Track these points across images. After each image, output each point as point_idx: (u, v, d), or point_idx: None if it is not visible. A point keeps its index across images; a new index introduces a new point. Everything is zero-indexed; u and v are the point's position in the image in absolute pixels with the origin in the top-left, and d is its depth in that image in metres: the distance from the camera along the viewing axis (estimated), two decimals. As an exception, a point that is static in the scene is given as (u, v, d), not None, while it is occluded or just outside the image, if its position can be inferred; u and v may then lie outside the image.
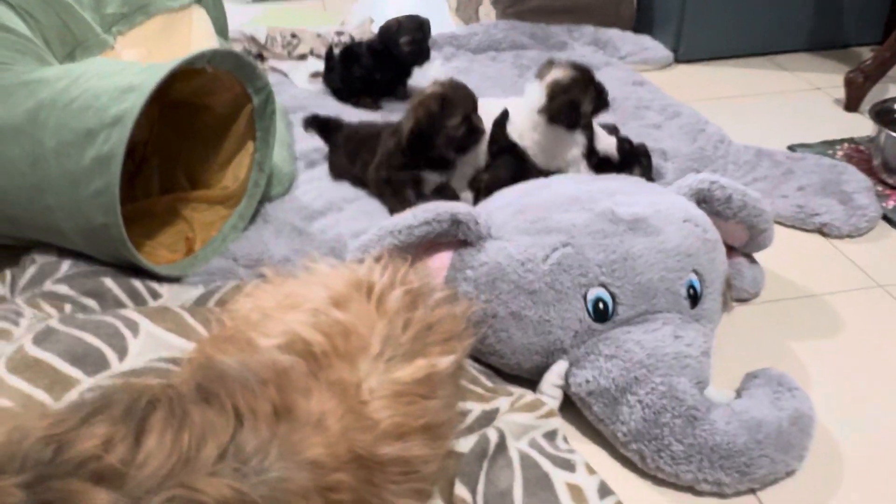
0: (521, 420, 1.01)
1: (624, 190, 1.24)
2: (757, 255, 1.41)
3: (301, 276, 1.00)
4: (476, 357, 1.19)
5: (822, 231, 1.58)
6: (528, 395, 1.08)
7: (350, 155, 1.66)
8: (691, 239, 1.18)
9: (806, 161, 1.76)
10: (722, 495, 1.03)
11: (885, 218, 1.61)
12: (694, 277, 1.16)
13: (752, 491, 1.04)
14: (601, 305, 1.11)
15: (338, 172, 1.70)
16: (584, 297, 1.12)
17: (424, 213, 1.17)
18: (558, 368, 1.12)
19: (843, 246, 1.55)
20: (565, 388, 1.13)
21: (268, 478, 0.73)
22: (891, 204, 1.65)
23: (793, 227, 1.60)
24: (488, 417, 1.03)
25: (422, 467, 0.82)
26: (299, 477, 0.74)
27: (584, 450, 1.08)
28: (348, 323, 0.88)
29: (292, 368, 0.82)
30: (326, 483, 0.75)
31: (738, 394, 1.12)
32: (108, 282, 1.28)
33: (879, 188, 1.70)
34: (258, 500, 0.71)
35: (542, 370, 1.14)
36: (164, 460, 0.71)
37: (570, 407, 1.13)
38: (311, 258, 1.03)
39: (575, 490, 0.90)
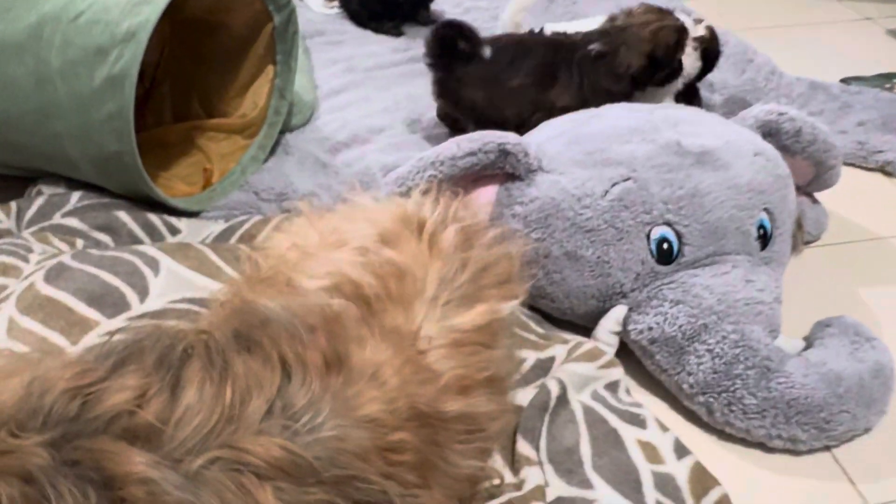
0: (582, 370, 0.93)
1: (688, 119, 1.13)
2: (817, 196, 1.31)
3: (341, 210, 0.90)
4: (526, 301, 1.10)
5: (884, 170, 1.47)
6: (587, 343, 0.99)
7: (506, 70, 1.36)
8: (763, 174, 1.07)
9: (863, 95, 1.64)
10: (795, 452, 0.95)
11: (950, 156, 1.50)
12: (765, 216, 1.07)
13: (828, 448, 0.96)
14: (666, 246, 1.02)
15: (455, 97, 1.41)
16: (648, 237, 1.02)
17: (470, 143, 1.07)
18: (616, 314, 1.03)
19: (907, 185, 1.45)
20: (623, 336, 1.04)
21: (322, 436, 0.65)
22: (955, 141, 1.54)
23: (853, 164, 1.49)
24: (544, 367, 0.94)
25: (488, 424, 0.73)
26: (356, 436, 0.66)
27: (642, 401, 1.00)
28: (401, 263, 0.79)
29: (343, 314, 0.73)
30: (387, 443, 0.66)
31: (809, 343, 1.04)
32: (123, 216, 1.18)
33: (942, 124, 1.58)
34: (312, 461, 0.63)
35: (596, 316, 1.06)
36: (206, 417, 0.62)
37: (624, 355, 1.05)
38: (352, 188, 0.92)
39: (648, 448, 0.83)
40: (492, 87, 1.36)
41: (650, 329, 1.00)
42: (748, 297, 0.99)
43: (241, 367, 0.66)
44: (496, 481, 0.78)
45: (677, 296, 0.99)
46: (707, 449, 0.96)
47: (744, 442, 0.96)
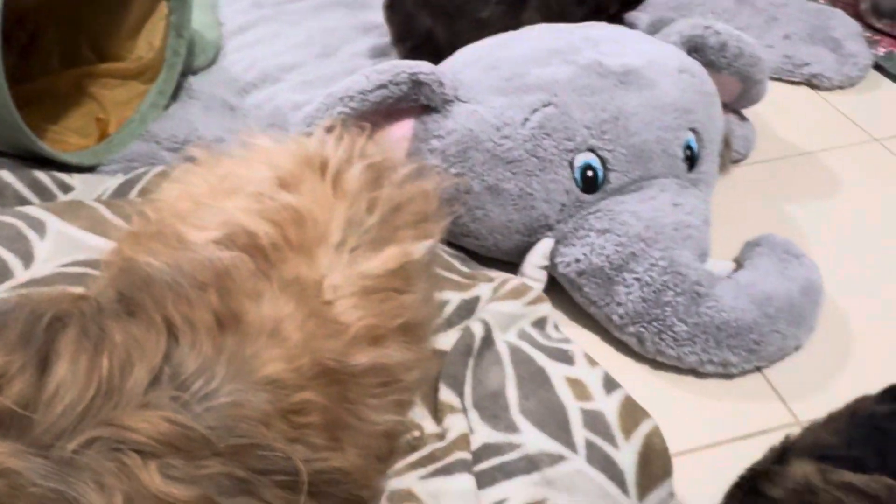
0: (508, 308, 0.88)
1: (609, 38, 1.07)
2: (745, 113, 1.28)
3: (238, 154, 0.82)
4: (448, 240, 1.05)
5: (810, 83, 1.45)
6: (513, 280, 0.95)
7: None
8: (689, 93, 1.03)
9: (789, 7, 1.60)
10: (727, 376, 0.93)
11: (877, 66, 1.48)
12: (691, 136, 1.03)
13: (759, 369, 0.95)
14: (590, 173, 0.97)
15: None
16: (571, 165, 0.97)
17: (380, 75, 0.99)
18: (543, 247, 0.99)
19: (833, 98, 1.43)
20: (551, 270, 1.00)
21: (216, 404, 0.59)
22: (881, 51, 1.52)
23: (780, 79, 1.46)
24: (468, 308, 0.90)
25: (404, 375, 0.69)
26: (256, 400, 0.60)
27: (573, 334, 0.97)
28: (301, 207, 0.72)
29: (236, 267, 0.66)
30: (291, 405, 0.61)
31: (739, 264, 1.01)
32: (6, 175, 1.07)
33: (868, 34, 1.56)
34: (206, 432, 0.57)
35: (523, 251, 1.01)
36: (80, 393, 0.56)
37: (553, 289, 1.01)
38: (250, 132, 0.84)
39: (577, 385, 0.79)
40: (456, 18, 1.26)
41: (577, 261, 0.96)
42: (677, 221, 0.96)
43: (120, 334, 0.60)
44: (416, 434, 0.73)
45: (604, 225, 0.95)
46: (640, 380, 0.93)
47: (676, 370, 0.94)
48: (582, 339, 0.97)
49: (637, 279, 0.92)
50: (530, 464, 0.71)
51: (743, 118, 1.27)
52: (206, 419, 0.58)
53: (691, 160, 1.03)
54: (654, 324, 0.92)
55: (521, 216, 0.98)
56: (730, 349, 0.91)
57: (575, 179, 0.97)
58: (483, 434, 0.74)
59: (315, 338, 0.65)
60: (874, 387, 0.93)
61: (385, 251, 0.72)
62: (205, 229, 0.71)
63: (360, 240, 0.74)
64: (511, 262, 1.04)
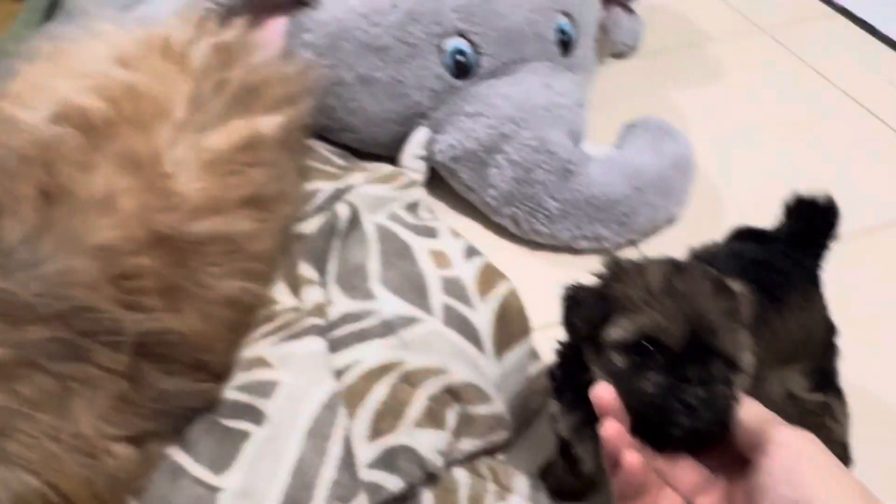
0: (377, 192, 0.88)
1: (480, -76, 1.05)
2: (633, 6, 1.28)
3: (81, 40, 0.79)
4: (327, 136, 1.04)
5: (701, -23, 1.45)
6: (386, 167, 0.94)
7: None
8: (559, -25, 1.02)
9: None
10: (602, 251, 0.95)
11: (766, -41, 1.49)
12: (564, 20, 1.02)
13: (633, 243, 0.97)
14: (461, 58, 0.97)
15: None
16: (441, 50, 0.96)
17: (244, -32, 0.96)
18: (419, 136, 0.99)
19: (722, -8, 1.44)
20: (430, 159, 1.00)
21: (42, 272, 0.58)
22: (771, -56, 1.53)
23: (670, -26, 1.46)
24: (340, 196, 0.89)
25: (248, 244, 0.68)
26: (84, 266, 0.59)
27: (456, 224, 0.97)
28: (139, 84, 0.70)
29: (63, 141, 0.65)
30: (122, 270, 0.60)
31: (619, 147, 1.03)
32: None
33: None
34: (30, 299, 0.56)
35: (401, 142, 1.00)
36: None
37: (436, 181, 1.01)
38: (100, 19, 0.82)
39: (438, 256, 0.80)
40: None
41: (452, 147, 0.96)
42: (548, 102, 0.96)
43: (-67, 208, 0.58)
44: (277, 307, 0.74)
45: (475, 108, 0.95)
46: (521, 260, 0.95)
47: (553, 249, 0.96)
48: (463, 227, 0.98)
49: (508, 160, 0.93)
50: (386, 328, 0.71)
51: (630, 11, 1.27)
52: (32, 287, 0.57)
53: (565, 44, 1.03)
54: (527, 203, 0.93)
55: (394, 105, 0.98)
56: (601, 223, 0.92)
57: (445, 65, 0.96)
58: (342, 305, 0.74)
59: (150, 208, 0.64)
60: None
61: (230, 125, 0.71)
62: (36, 108, 0.69)
63: (207, 117, 0.73)
64: (393, 157, 1.03)
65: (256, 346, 0.69)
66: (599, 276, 0.55)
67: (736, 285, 0.54)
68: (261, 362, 0.67)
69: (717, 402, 0.49)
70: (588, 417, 0.52)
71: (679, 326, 0.49)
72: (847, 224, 1.00)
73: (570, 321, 0.56)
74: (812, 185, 1.07)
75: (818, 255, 0.71)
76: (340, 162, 0.99)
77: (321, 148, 1.01)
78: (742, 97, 1.22)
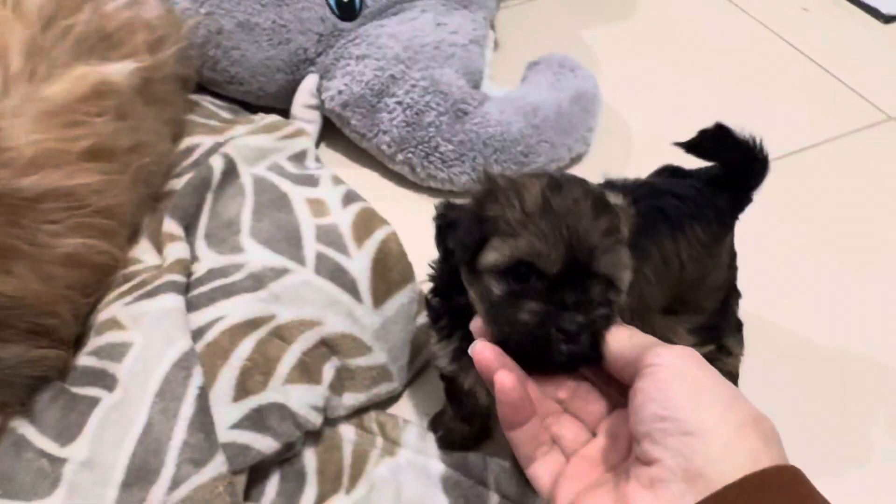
0: (258, 143, 0.83)
1: None
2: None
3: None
4: (216, 90, 0.98)
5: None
6: (270, 117, 0.89)
7: None
8: None
9: None
10: (504, 194, 0.91)
11: None
12: (456, -46, 0.97)
13: (537, 184, 0.93)
14: (344, -3, 0.91)
15: None
16: (323, -10, 0.91)
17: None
18: (308, 84, 0.94)
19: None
20: (321, 108, 0.95)
21: None
22: None
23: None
24: (218, 149, 0.84)
25: (92, 199, 0.63)
26: None
27: (355, 176, 0.93)
28: (-38, 32, 0.64)
29: None
30: (-63, 232, 0.55)
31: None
32: None
33: None
34: None
35: (291, 92, 0.95)
36: None
37: (331, 131, 0.96)
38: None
39: (316, 204, 0.75)
40: None
41: (340, 92, 0.91)
42: (438, 40, 0.91)
43: None
44: (139, 267, 0.69)
45: (362, 50, 0.90)
46: (421, 208, 0.90)
47: (452, 194, 0.91)
48: (360, 178, 0.93)
49: (399, 103, 0.88)
50: (255, 281, 0.67)
51: (538, -52, 1.22)
52: None
53: (460, -20, 0.98)
54: (421, 147, 0.88)
55: (278, 52, 0.92)
56: (499, 164, 0.88)
57: (329, 5, 0.91)
58: (209, 260, 0.69)
59: (-24, 163, 0.59)
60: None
61: (73, 73, 0.66)
62: None
63: (48, 66, 0.67)
64: (287, 110, 0.98)
65: (111, 308, 0.64)
66: (473, 194, 0.51)
67: (616, 198, 0.50)
68: (113, 324, 0.62)
69: (597, 326, 0.46)
70: (469, 344, 0.49)
71: (556, 250, 0.45)
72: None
73: (443, 244, 0.52)
74: (727, 118, 1.05)
75: (736, 200, 0.66)
76: (227, 116, 0.94)
77: (206, 102, 0.95)
78: (654, 32, 1.18)
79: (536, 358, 0.47)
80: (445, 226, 0.52)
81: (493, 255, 0.48)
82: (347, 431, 0.69)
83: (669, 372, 0.41)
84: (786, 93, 1.07)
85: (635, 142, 1.00)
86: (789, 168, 0.97)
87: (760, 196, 0.91)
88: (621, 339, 0.46)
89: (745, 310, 0.72)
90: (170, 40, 0.81)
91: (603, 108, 0.97)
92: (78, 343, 0.65)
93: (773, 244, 0.86)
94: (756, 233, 0.88)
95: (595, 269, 0.47)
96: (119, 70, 0.69)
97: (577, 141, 0.93)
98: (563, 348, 0.45)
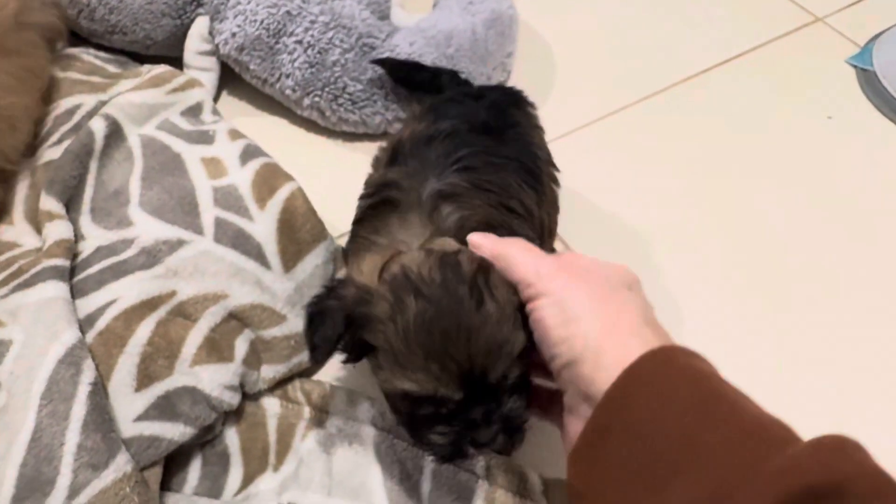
0: (144, 99, 0.75)
1: None
2: None
3: None
4: (99, 42, 0.89)
5: None
6: (158, 69, 0.81)
7: None
8: None
9: None
10: (423, 132, 0.85)
11: None
12: None
13: (458, 119, 0.87)
14: (227, -73, 0.82)
15: None
16: (201, -80, 0.81)
17: None
18: (198, 28, 0.85)
19: None
20: (216, 53, 0.87)
21: None
22: None
23: None
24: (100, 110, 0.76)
25: None
26: None
27: (261, 126, 0.86)
28: None
29: None
30: None
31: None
32: None
33: None
34: None
35: (182, 38, 0.87)
36: None
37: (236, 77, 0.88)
38: None
39: (212, 163, 0.69)
40: None
41: (234, 35, 0.83)
42: (337, -32, 0.83)
43: None
44: (15, 252, 0.62)
45: (253, -14, 0.82)
46: (336, 157, 0.85)
47: (370, 137, 0.85)
48: (267, 127, 0.86)
49: (299, 42, 0.81)
50: (149, 257, 0.61)
51: None
52: None
53: None
54: (328, 89, 0.82)
55: (159, -6, 0.83)
56: (412, 100, 0.82)
57: (210, -63, 0.82)
58: (95, 238, 0.63)
59: None
60: (574, 117, 0.89)
61: None
62: None
63: None
64: (181, 59, 0.89)
65: (-15, 303, 0.57)
66: (343, 295, 0.46)
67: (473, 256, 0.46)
68: (-12, 321, 0.56)
69: (513, 422, 0.46)
70: None
71: (451, 382, 0.44)
72: (686, 68, 0.93)
73: (310, 338, 0.48)
74: (648, 31, 1.00)
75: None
76: (113, 70, 0.85)
77: (89, 56, 0.86)
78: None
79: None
80: (314, 316, 0.47)
81: (386, 383, 0.46)
82: (271, 404, 0.64)
83: (542, 312, 0.43)
84: (706, 7, 1.02)
85: (558, 65, 0.95)
86: (715, 80, 0.93)
87: (688, 111, 0.87)
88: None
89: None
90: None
91: (520, 30, 0.91)
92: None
93: (710, 158, 0.83)
94: (697, 147, 0.85)
95: (493, 379, 0.45)
96: None
97: (496, 69, 0.87)
98: (480, 453, 0.48)
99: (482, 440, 0.45)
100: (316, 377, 0.67)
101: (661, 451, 0.37)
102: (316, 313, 0.47)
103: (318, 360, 0.48)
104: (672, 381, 0.38)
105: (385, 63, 0.77)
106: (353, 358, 0.48)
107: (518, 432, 0.47)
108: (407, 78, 0.75)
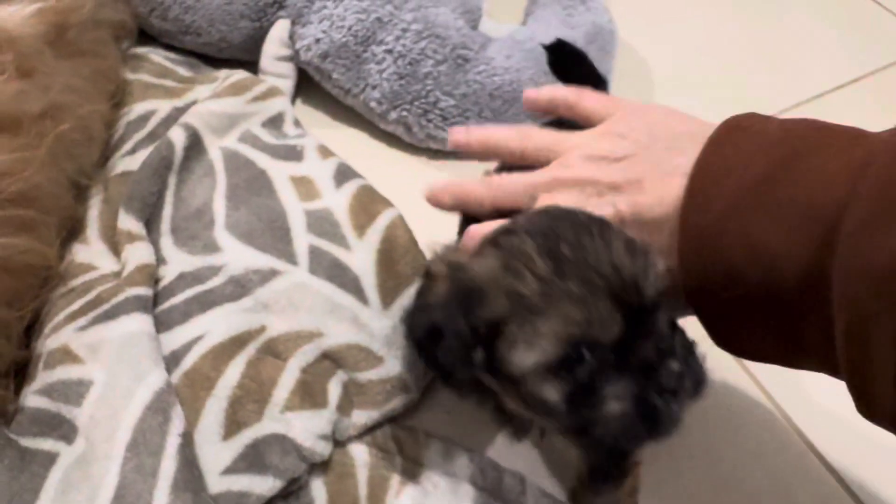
0: (224, 108, 0.70)
1: None
2: None
3: None
4: (170, 43, 0.84)
5: None
6: (236, 75, 0.75)
7: None
8: None
9: None
10: (514, 153, 0.79)
11: None
12: None
13: (551, 139, 0.81)
14: (316, -75, 0.76)
15: None
16: (289, -83, 0.76)
17: None
18: (278, 32, 0.79)
19: None
20: (295, 59, 0.81)
21: None
22: None
23: None
24: (179, 118, 0.70)
25: (3, 184, 0.49)
26: None
27: (338, 137, 0.80)
28: None
29: None
30: None
31: (525, 23, 0.85)
32: None
33: None
34: None
35: (259, 41, 0.81)
36: None
37: (314, 85, 0.82)
38: None
39: (303, 183, 0.63)
40: None
41: (318, 41, 0.77)
42: (422, -27, 0.77)
43: None
44: (92, 275, 0.56)
45: (341, -11, 0.76)
46: (418, 177, 0.78)
47: (457, 156, 0.79)
48: (345, 141, 0.80)
49: (389, 51, 0.75)
50: (238, 287, 0.55)
51: None
52: None
53: None
54: (417, 103, 0.76)
55: (239, -6, 0.78)
56: (510, 118, 0.76)
57: (298, -65, 0.76)
58: (178, 262, 0.57)
59: None
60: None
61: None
62: None
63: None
64: (255, 63, 0.84)
65: (61, 333, 0.52)
66: (453, 282, 0.38)
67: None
68: (65, 355, 0.50)
69: (691, 353, 0.37)
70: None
71: (604, 308, 0.35)
72: (795, 94, 0.87)
73: (435, 365, 0.39)
74: (756, 53, 0.93)
75: None
76: (186, 73, 0.79)
77: (159, 57, 0.81)
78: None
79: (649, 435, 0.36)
80: (425, 339, 0.39)
81: (526, 355, 0.36)
82: (360, 452, 0.58)
83: None
84: (822, 20, 0.95)
85: (656, 83, 0.88)
86: (828, 107, 0.86)
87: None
88: None
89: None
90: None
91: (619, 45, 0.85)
92: (21, 373, 0.53)
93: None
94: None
95: (650, 293, 0.36)
96: (14, 14, 0.54)
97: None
98: (674, 408, 0.34)
99: (671, 383, 0.35)
100: (408, 424, 0.61)
101: (784, 139, 0.39)
102: (423, 334, 0.39)
103: (455, 385, 0.41)
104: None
105: (555, 48, 0.66)
106: (486, 363, 0.39)
107: (701, 371, 0.37)
108: (565, 68, 0.66)
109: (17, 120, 0.52)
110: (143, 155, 0.65)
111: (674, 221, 0.41)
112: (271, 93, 0.74)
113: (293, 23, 0.79)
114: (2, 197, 0.49)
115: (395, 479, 0.57)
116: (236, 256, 0.56)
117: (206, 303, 0.54)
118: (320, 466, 0.57)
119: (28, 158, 0.51)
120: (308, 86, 0.83)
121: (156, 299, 0.55)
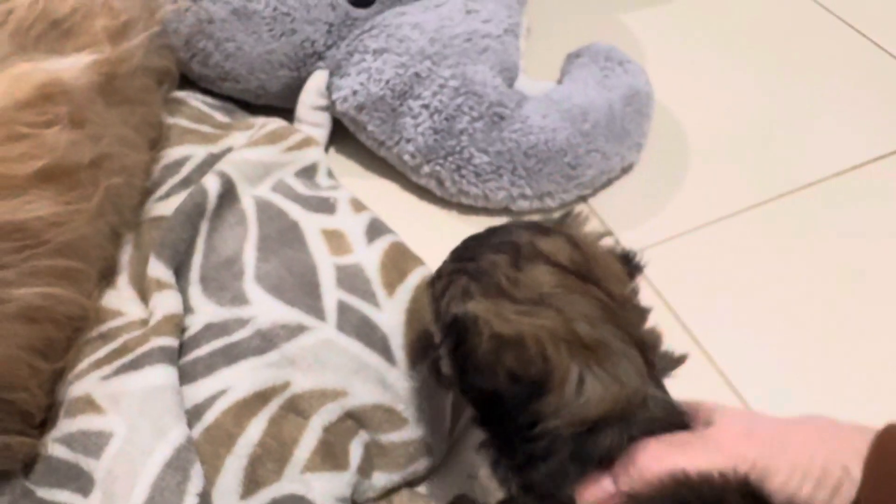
0: (259, 157, 0.70)
1: None
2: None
3: None
4: (208, 88, 0.85)
5: None
6: (272, 123, 0.76)
7: None
8: None
9: None
10: (546, 210, 0.79)
11: None
12: (486, -72, 0.83)
13: (583, 199, 0.81)
14: (359, -20, 0.77)
15: None
16: (333, -29, 0.77)
17: None
18: (316, 82, 0.80)
19: None
20: (331, 110, 0.81)
21: None
22: None
23: None
24: (214, 163, 0.70)
25: (50, 234, 0.50)
26: None
27: (369, 188, 0.80)
28: None
29: None
30: None
31: (560, 82, 0.85)
32: None
33: None
34: None
35: (297, 90, 0.82)
36: None
37: (347, 136, 0.83)
38: None
39: (334, 237, 0.62)
40: None
41: (355, 93, 0.77)
42: (470, 31, 0.78)
43: None
44: (119, 321, 0.56)
45: (380, 44, 0.77)
46: (448, 231, 0.78)
47: (487, 212, 0.79)
48: (376, 192, 0.80)
49: (425, 106, 0.75)
50: (264, 341, 0.54)
51: (569, -81, 1.08)
52: None
53: (491, -42, 0.84)
54: (451, 158, 0.75)
55: (281, 44, 0.79)
56: (543, 177, 0.76)
57: (341, -10, 0.77)
58: (206, 313, 0.57)
59: None
60: (709, 209, 0.82)
61: (11, 72, 0.52)
62: None
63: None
64: (291, 111, 0.84)
65: (84, 381, 0.51)
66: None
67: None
68: (87, 404, 0.50)
69: None
70: None
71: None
72: (834, 161, 0.85)
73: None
74: (792, 116, 0.92)
75: None
76: (222, 119, 0.80)
77: (197, 102, 0.82)
78: (705, 15, 1.05)
79: None
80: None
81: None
82: (377, 516, 0.57)
83: None
84: (862, 87, 0.94)
85: (691, 145, 0.87)
86: (867, 177, 0.84)
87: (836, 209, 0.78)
88: None
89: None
90: (138, 26, 0.66)
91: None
92: (44, 421, 0.52)
93: (860, 260, 0.75)
94: (846, 248, 0.76)
95: None
96: (72, 65, 0.55)
97: (630, 148, 0.80)
98: None
99: None
100: (421, 489, 0.59)
101: None
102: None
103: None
104: None
105: None
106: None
107: None
108: None
109: (70, 171, 0.52)
110: (176, 200, 0.65)
111: None
112: (306, 143, 0.74)
113: (331, 74, 0.79)
114: (49, 247, 0.49)
115: (412, 546, 0.55)
116: (264, 310, 0.56)
117: (231, 356, 0.54)
118: (336, 529, 0.55)
119: (77, 210, 0.51)
120: (342, 135, 0.83)
121: (181, 349, 0.54)
